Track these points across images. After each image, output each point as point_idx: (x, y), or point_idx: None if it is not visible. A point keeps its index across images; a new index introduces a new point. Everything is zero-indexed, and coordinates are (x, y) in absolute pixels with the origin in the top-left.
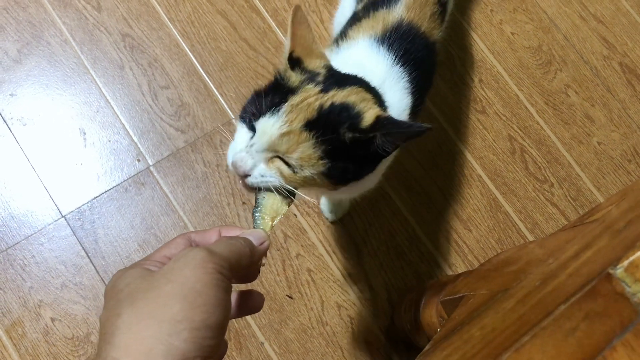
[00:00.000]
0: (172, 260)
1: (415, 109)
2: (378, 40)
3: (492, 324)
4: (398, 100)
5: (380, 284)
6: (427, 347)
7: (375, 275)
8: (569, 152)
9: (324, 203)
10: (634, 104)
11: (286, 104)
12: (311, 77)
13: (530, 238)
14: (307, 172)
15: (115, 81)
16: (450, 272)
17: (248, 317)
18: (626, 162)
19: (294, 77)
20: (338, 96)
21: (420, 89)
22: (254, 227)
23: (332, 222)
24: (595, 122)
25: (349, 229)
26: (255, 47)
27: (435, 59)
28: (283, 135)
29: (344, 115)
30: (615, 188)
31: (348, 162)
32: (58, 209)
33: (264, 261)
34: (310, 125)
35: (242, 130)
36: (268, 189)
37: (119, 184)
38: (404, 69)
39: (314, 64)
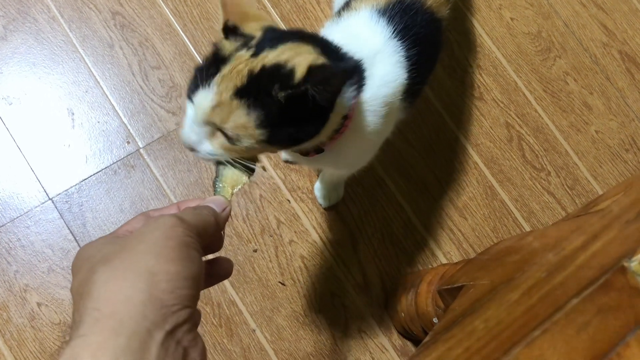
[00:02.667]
0: (142, 226)
1: (413, 88)
2: (379, 12)
3: (497, 317)
4: (387, 74)
5: (374, 272)
6: (427, 339)
7: (370, 262)
8: (567, 140)
9: (318, 188)
10: (632, 93)
11: (217, 74)
12: (246, 42)
13: (526, 227)
14: (246, 142)
15: (105, 60)
16: (445, 261)
17: (239, 304)
18: (623, 152)
19: (228, 46)
20: (269, 57)
21: (419, 67)
22: (215, 195)
23: (326, 209)
24: (593, 111)
25: (344, 216)
26: None
27: (440, 37)
28: (215, 106)
29: (275, 75)
30: (612, 177)
31: (290, 124)
32: (45, 191)
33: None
34: (240, 93)
35: (189, 107)
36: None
37: (108, 167)
38: (402, 43)
39: (250, 28)
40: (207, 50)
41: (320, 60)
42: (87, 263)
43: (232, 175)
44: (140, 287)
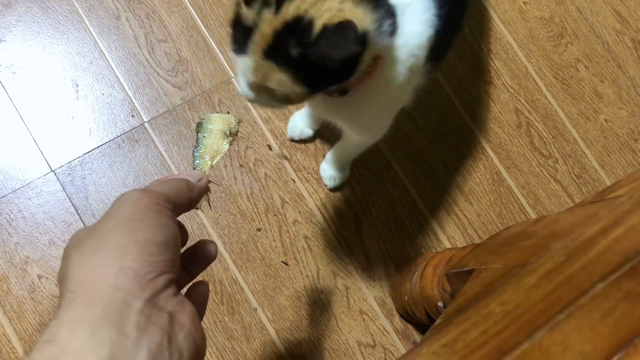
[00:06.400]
0: (110, 206)
1: (438, 48)
2: None
3: (515, 300)
4: (415, 26)
5: (377, 254)
6: (438, 321)
7: (373, 245)
8: (575, 128)
9: (323, 169)
10: None
11: (250, 43)
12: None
13: (532, 214)
14: (291, 94)
15: (111, 32)
16: (449, 245)
17: (242, 282)
18: (632, 141)
19: (250, 15)
20: (290, 10)
21: (446, 24)
22: (193, 168)
23: (331, 190)
24: (603, 99)
25: (349, 198)
26: None
27: None
28: (254, 70)
29: (295, 30)
30: (620, 167)
31: (322, 73)
32: (47, 163)
33: (204, 206)
34: (269, 54)
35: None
36: (208, 128)
37: (111, 140)
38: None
39: None
40: (215, 24)
41: (342, 14)
42: (65, 252)
43: (213, 145)
44: (110, 261)
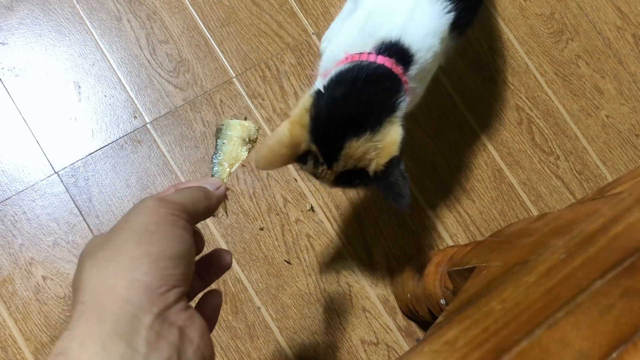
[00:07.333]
0: (126, 213)
1: (460, 22)
2: None
3: (515, 298)
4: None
5: (380, 252)
6: (440, 319)
7: (376, 243)
8: (577, 124)
9: None
10: None
11: (319, 177)
12: (315, 158)
13: (534, 211)
14: None
15: (112, 33)
16: (451, 243)
17: (245, 281)
18: (634, 137)
19: (309, 168)
20: (340, 167)
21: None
22: (212, 175)
23: None
24: (604, 95)
25: (351, 196)
26: (258, 3)
27: None
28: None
29: (352, 175)
30: (621, 163)
31: None
32: (51, 165)
33: (221, 213)
34: (335, 184)
35: None
36: (227, 135)
37: (114, 141)
38: None
39: (304, 143)
40: (216, 25)
41: (382, 155)
42: (80, 260)
43: (231, 152)
44: (122, 274)
